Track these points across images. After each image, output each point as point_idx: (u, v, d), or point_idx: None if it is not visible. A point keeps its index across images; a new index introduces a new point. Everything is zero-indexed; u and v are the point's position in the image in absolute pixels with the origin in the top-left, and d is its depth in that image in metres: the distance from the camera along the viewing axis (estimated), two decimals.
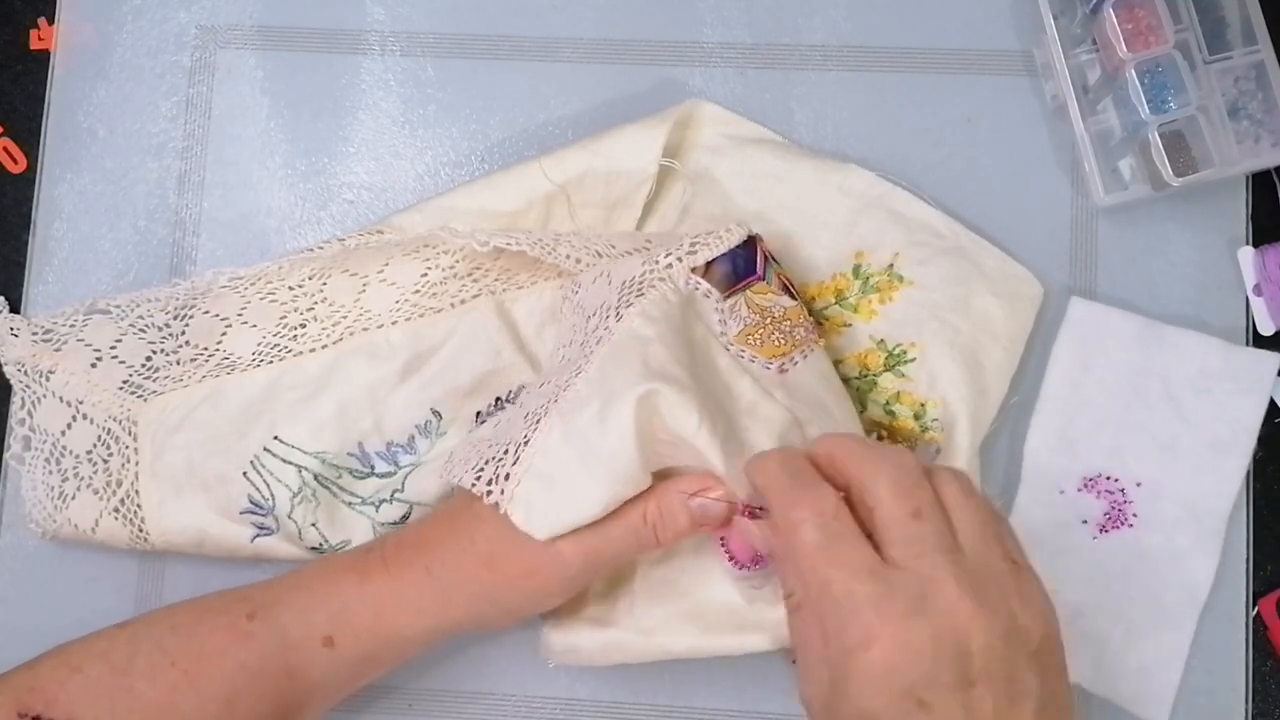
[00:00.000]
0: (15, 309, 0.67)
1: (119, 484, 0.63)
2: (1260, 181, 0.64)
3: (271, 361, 0.63)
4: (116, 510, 0.62)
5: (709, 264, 0.58)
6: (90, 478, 0.63)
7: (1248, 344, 0.63)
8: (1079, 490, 0.61)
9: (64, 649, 0.54)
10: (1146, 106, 0.59)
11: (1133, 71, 0.60)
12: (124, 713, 0.52)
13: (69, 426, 0.64)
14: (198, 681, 0.52)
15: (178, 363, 0.64)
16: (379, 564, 0.55)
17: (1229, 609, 0.61)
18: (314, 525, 0.61)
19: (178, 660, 0.52)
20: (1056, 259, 0.64)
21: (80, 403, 0.64)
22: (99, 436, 0.63)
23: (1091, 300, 0.63)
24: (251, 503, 0.62)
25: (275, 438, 0.62)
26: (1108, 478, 0.61)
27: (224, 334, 0.64)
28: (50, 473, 0.63)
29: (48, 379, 0.64)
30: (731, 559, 0.56)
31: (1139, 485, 0.61)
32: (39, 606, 0.65)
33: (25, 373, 0.64)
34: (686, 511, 0.52)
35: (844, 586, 0.43)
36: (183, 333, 0.64)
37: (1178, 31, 0.61)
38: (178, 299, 0.64)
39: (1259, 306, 0.63)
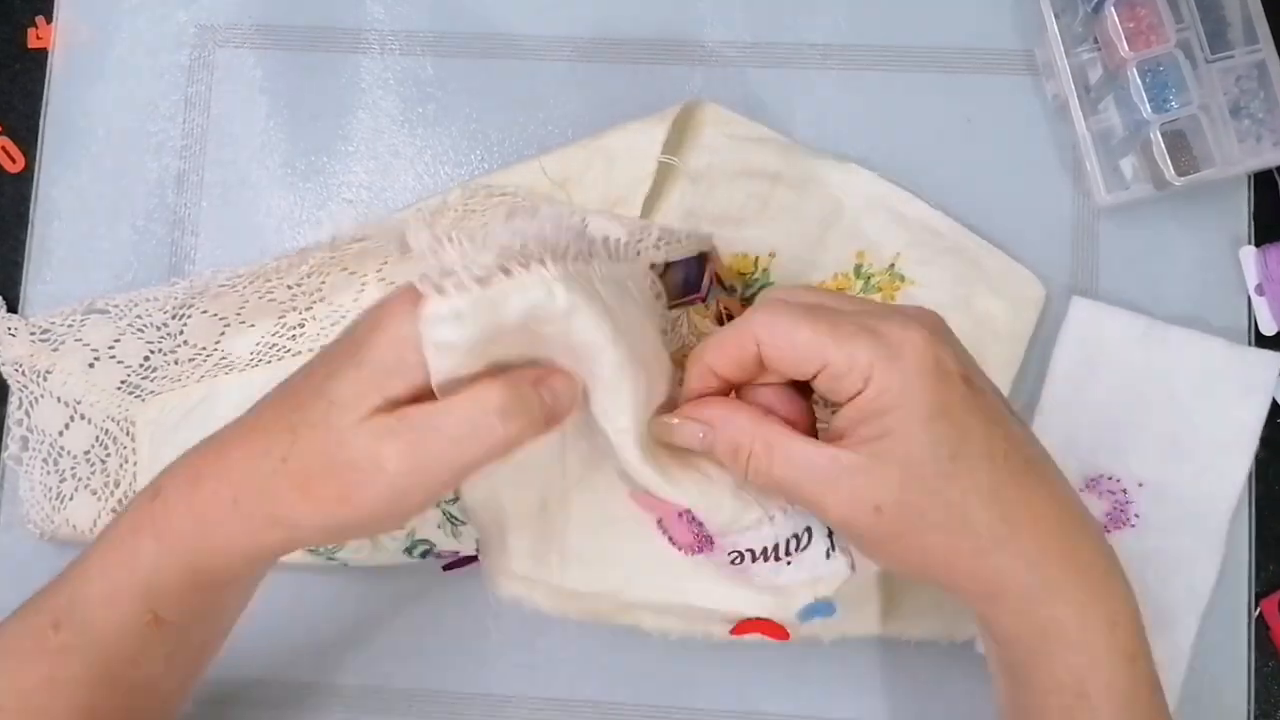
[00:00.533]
0: (13, 309, 0.67)
1: (117, 484, 0.63)
2: (1262, 181, 0.64)
3: (270, 361, 0.63)
4: (115, 510, 0.62)
5: (668, 266, 0.55)
6: (88, 478, 0.63)
7: (1250, 344, 0.63)
8: (1081, 490, 0.61)
9: None
10: (1148, 105, 0.59)
11: (1134, 70, 0.59)
12: None
13: (67, 427, 0.64)
14: (33, 716, 0.47)
15: (175, 362, 0.63)
16: (166, 511, 0.46)
17: (1231, 609, 0.61)
18: None
19: (4, 704, 0.47)
20: (1058, 259, 0.64)
21: (78, 403, 0.64)
22: (97, 437, 0.63)
23: (1093, 300, 0.63)
24: None
25: None
26: (1110, 478, 0.61)
27: (222, 333, 0.64)
28: (48, 473, 0.63)
29: (45, 379, 0.64)
30: (673, 541, 0.55)
31: (1141, 486, 0.61)
32: None
33: (23, 372, 0.64)
34: (538, 399, 0.44)
35: (848, 324, 0.44)
36: (181, 332, 0.64)
37: (1179, 30, 0.61)
38: (176, 298, 0.64)
39: (1261, 306, 0.63)
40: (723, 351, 0.47)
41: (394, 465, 0.42)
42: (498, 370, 0.44)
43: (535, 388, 0.44)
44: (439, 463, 0.43)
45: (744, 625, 0.52)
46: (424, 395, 0.43)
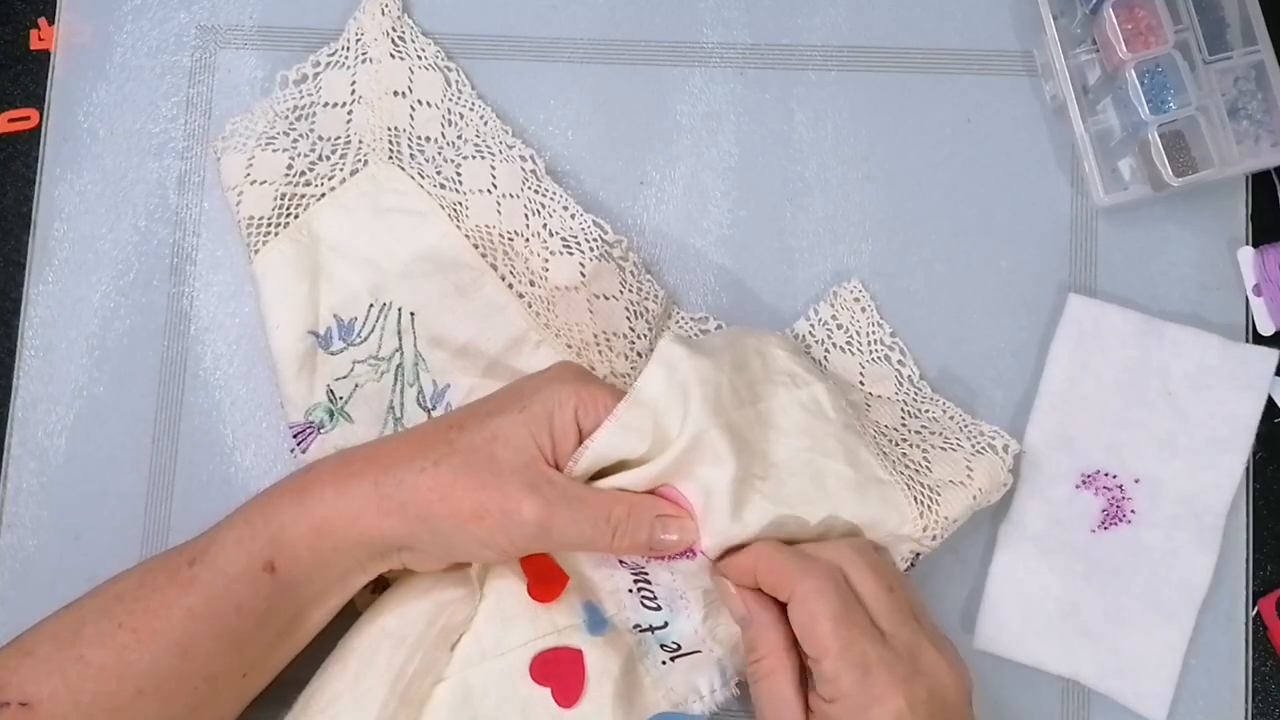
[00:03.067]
0: (15, 309, 0.67)
1: (301, 199, 0.65)
2: (1260, 181, 0.64)
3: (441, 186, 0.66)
4: (283, 204, 0.65)
5: None
6: (306, 163, 0.65)
7: (1247, 343, 0.63)
8: (1077, 487, 0.61)
9: (18, 638, 0.54)
10: (1146, 107, 0.59)
11: (1132, 72, 0.60)
12: (77, 680, 0.52)
13: (350, 114, 0.67)
14: (147, 638, 0.52)
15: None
16: (315, 480, 0.54)
17: (1229, 609, 0.61)
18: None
19: (125, 622, 0.53)
20: (1056, 259, 0.64)
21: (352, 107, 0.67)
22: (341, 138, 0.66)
23: (1091, 297, 0.63)
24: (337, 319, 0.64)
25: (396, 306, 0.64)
26: (1106, 474, 0.61)
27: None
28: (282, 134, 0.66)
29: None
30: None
31: (1137, 482, 0.61)
32: (39, 606, 0.65)
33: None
34: (650, 529, 0.53)
35: (860, 649, 0.50)
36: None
37: (1177, 32, 0.61)
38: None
39: (1259, 306, 0.63)
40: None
41: (528, 514, 0.52)
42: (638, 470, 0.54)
43: (653, 520, 0.53)
44: (555, 537, 0.53)
45: None
46: (564, 447, 0.54)
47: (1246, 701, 0.61)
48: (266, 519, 0.54)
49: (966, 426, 0.61)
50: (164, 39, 0.69)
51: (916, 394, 0.63)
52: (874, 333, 0.64)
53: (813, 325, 0.64)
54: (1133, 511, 0.61)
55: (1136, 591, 0.60)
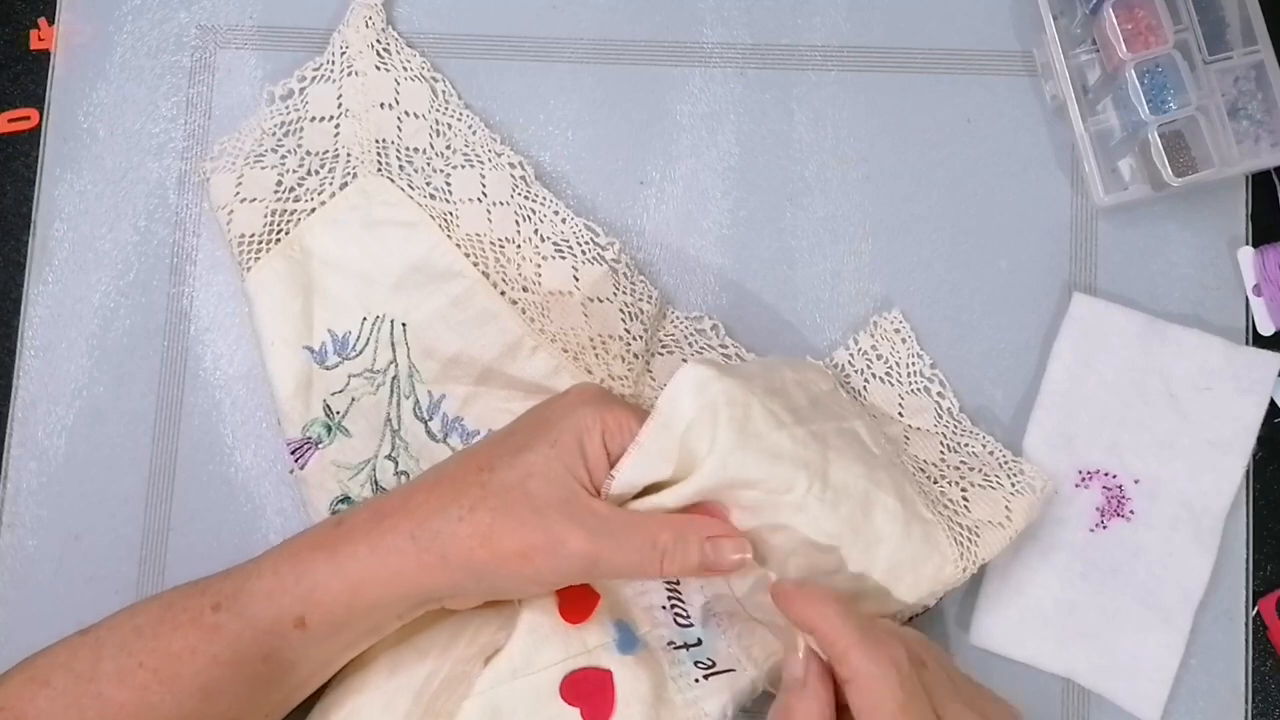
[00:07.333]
0: (15, 309, 0.67)
1: (293, 214, 0.65)
2: (1260, 182, 0.64)
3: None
4: (273, 221, 0.65)
5: None
6: (297, 180, 0.65)
7: (1247, 344, 0.63)
8: (1076, 485, 0.61)
9: (31, 662, 0.53)
10: (1146, 107, 0.59)
11: (1132, 72, 0.60)
12: (96, 717, 0.51)
13: (337, 128, 0.66)
14: (169, 680, 0.51)
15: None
16: (347, 537, 0.53)
17: (1229, 609, 0.61)
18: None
19: (145, 661, 0.52)
20: (1056, 259, 0.64)
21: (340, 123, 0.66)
22: (329, 151, 0.66)
23: (1094, 296, 0.63)
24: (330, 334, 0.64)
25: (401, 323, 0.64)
26: (1106, 474, 0.61)
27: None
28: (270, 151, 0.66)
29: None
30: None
31: (1137, 482, 0.61)
32: (39, 606, 0.65)
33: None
34: (700, 552, 0.52)
35: None
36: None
37: (1177, 32, 0.61)
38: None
39: (1259, 307, 0.63)
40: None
41: (574, 548, 0.51)
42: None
43: (701, 541, 0.52)
44: (604, 568, 0.52)
45: None
46: (599, 474, 0.53)
47: (1246, 701, 0.61)
48: (298, 575, 0.52)
49: (1006, 464, 0.61)
50: (164, 39, 0.69)
51: (956, 427, 0.62)
52: (914, 364, 0.63)
53: (852, 355, 0.64)
54: (1131, 512, 0.61)
55: (1133, 592, 0.60)
